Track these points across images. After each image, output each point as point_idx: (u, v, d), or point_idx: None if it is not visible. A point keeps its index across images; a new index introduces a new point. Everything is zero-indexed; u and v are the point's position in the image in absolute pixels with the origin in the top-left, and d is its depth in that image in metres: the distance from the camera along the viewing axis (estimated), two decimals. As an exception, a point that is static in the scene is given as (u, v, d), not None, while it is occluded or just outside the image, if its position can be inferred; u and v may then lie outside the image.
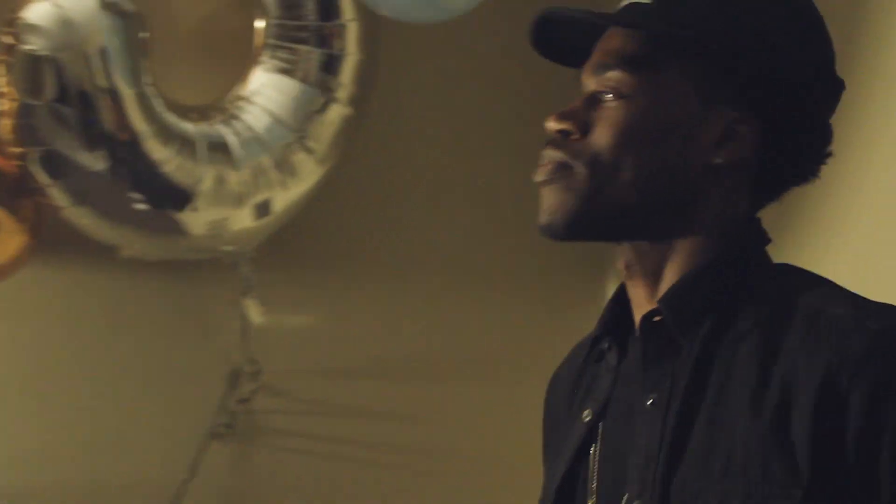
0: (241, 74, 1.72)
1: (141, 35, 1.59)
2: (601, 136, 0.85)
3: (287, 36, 1.71)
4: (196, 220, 1.66)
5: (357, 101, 1.74)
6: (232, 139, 1.67)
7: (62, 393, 1.78)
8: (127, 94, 1.56)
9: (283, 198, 1.71)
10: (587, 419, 0.90)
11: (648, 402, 0.84)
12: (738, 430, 0.80)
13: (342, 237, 1.90)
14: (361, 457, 1.91)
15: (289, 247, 1.82)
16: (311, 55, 1.72)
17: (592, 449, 0.88)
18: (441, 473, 1.55)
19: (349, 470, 1.89)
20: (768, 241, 0.89)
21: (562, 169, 0.85)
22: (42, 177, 1.57)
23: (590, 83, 0.86)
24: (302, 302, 1.88)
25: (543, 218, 0.87)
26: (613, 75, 0.85)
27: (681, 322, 0.83)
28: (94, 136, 1.56)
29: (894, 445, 0.78)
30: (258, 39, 1.71)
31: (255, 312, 1.74)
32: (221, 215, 1.67)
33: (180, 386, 1.79)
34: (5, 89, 1.53)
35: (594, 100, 0.86)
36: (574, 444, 0.90)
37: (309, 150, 1.71)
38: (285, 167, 1.71)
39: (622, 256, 0.89)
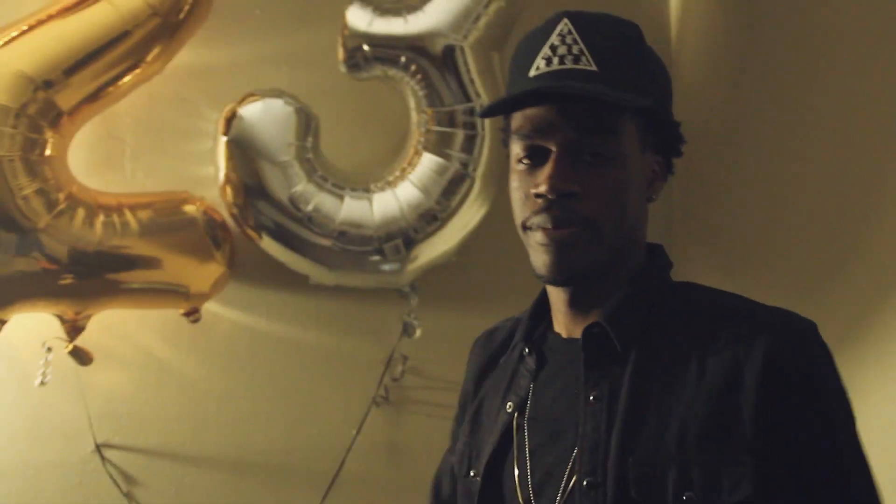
0: (396, 152, 1.85)
1: (312, 125, 1.73)
2: (604, 195, 0.89)
3: (437, 121, 1.76)
4: (370, 259, 1.77)
5: (486, 174, 1.76)
6: (394, 201, 1.75)
7: (272, 375, 1.95)
8: (312, 166, 1.72)
9: (431, 249, 1.79)
10: (510, 410, 0.97)
11: (591, 397, 0.89)
12: (689, 412, 0.86)
13: (465, 275, 1.96)
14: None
15: (441, 277, 1.93)
16: (454, 136, 1.77)
17: (516, 438, 0.95)
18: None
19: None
20: (671, 264, 0.97)
21: (589, 224, 0.89)
22: (248, 224, 1.73)
23: (563, 141, 0.89)
24: (446, 319, 1.97)
25: (564, 267, 0.90)
26: (598, 140, 0.89)
27: (620, 333, 0.90)
28: (284, 200, 1.71)
29: (823, 412, 0.86)
30: (413, 125, 1.79)
31: (415, 328, 1.90)
32: (397, 260, 1.77)
33: (353, 369, 1.96)
34: (224, 162, 1.71)
35: (578, 161, 0.89)
36: (499, 431, 0.97)
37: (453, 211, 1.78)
38: (427, 216, 1.78)
39: (566, 291, 0.94)
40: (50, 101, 1.62)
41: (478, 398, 1.05)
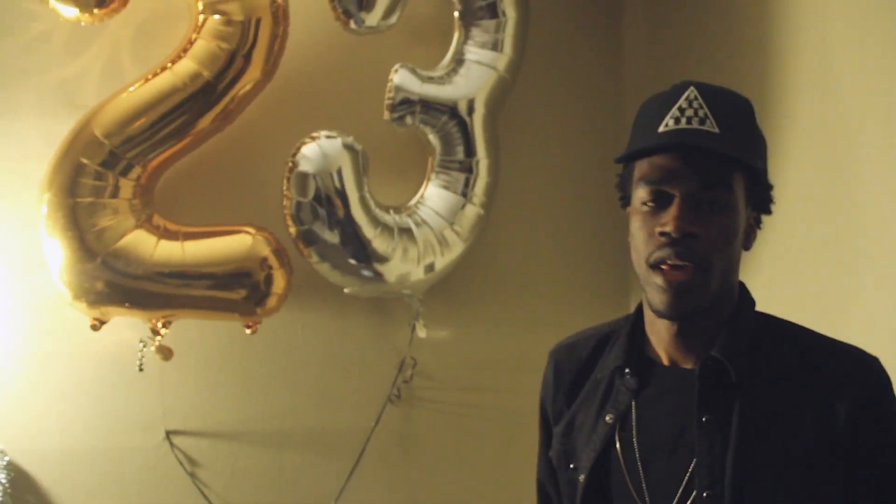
0: (418, 187, 2.10)
1: (363, 162, 1.96)
2: (717, 240, 0.94)
3: (446, 165, 2.06)
4: (389, 274, 1.99)
5: (485, 205, 2.07)
6: (413, 226, 2.02)
7: (306, 375, 2.14)
8: (353, 196, 1.93)
9: (441, 262, 2.05)
10: (610, 421, 1.01)
11: (704, 419, 0.94)
12: (794, 440, 0.92)
13: (462, 281, 2.17)
14: (482, 416, 2.18)
15: (442, 289, 2.13)
16: (459, 177, 2.06)
17: (620, 448, 0.99)
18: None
19: (474, 425, 2.17)
20: (754, 301, 1.04)
21: (703, 263, 0.94)
22: (303, 246, 1.94)
23: (686, 189, 0.94)
24: (442, 320, 2.17)
25: (679, 307, 0.95)
26: (715, 192, 0.94)
27: (735, 366, 0.96)
28: (333, 222, 1.91)
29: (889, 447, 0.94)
30: (429, 167, 2.09)
31: (420, 330, 2.10)
32: (405, 271, 2.00)
33: (371, 369, 2.15)
34: (287, 192, 1.90)
35: (697, 208, 0.94)
36: (601, 439, 1.01)
37: (456, 233, 2.05)
38: (443, 243, 2.04)
39: (675, 325, 0.98)
40: (118, 156, 1.84)
41: (571, 409, 1.08)
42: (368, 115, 2.07)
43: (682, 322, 0.98)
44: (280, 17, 1.93)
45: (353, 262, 1.97)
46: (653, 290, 0.97)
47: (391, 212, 2.03)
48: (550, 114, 2.27)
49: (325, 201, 1.92)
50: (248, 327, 1.98)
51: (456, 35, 2.10)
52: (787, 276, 1.67)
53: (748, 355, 0.97)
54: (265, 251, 1.93)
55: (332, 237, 1.94)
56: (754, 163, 0.98)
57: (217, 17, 1.88)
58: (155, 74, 1.89)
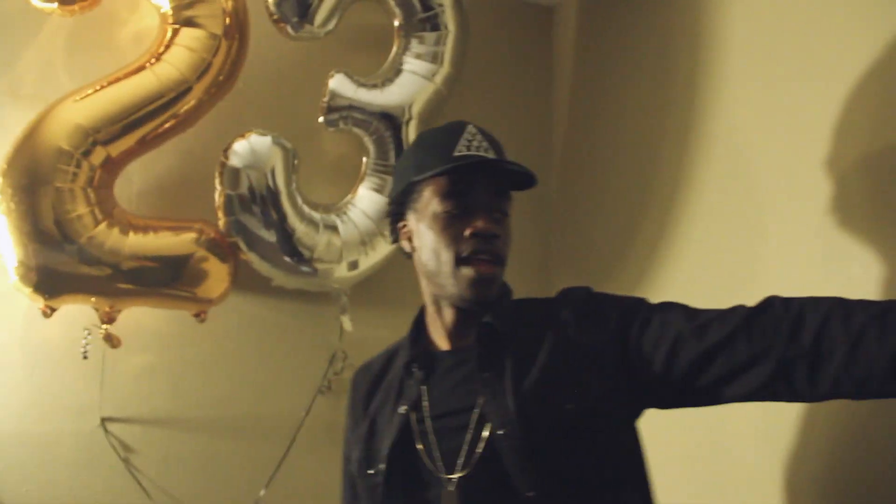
0: (351, 188, 2.12)
1: (293, 159, 2.00)
2: (507, 241, 1.16)
3: (378, 169, 2.09)
4: (313, 268, 2.00)
5: None
6: (339, 224, 2.04)
7: (241, 365, 2.14)
8: (281, 191, 1.97)
9: (365, 261, 2.07)
10: (403, 411, 1.14)
11: (485, 375, 1.10)
12: (570, 365, 1.09)
13: (393, 283, 2.17)
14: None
15: (366, 287, 2.15)
16: (390, 181, 2.04)
17: (416, 428, 1.11)
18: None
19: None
20: (511, 289, 1.23)
21: (502, 261, 1.15)
22: (232, 236, 1.96)
23: (484, 200, 1.13)
24: (372, 318, 2.17)
25: (487, 290, 1.13)
26: (506, 203, 1.17)
27: (503, 327, 1.14)
28: (261, 215, 1.94)
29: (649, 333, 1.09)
30: (363, 170, 2.12)
31: (347, 324, 2.12)
32: (328, 267, 2.03)
33: (304, 361, 2.15)
34: (218, 187, 1.94)
35: (492, 215, 1.14)
36: (396, 427, 1.13)
37: (383, 235, 2.07)
38: (368, 243, 2.07)
39: (462, 312, 1.16)
40: (99, 147, 1.85)
41: (369, 415, 1.22)
42: (309, 118, 2.10)
43: (474, 308, 1.15)
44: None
45: (278, 254, 2.00)
46: (461, 283, 1.13)
47: (321, 210, 2.06)
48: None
49: (255, 195, 1.96)
50: (197, 316, 2.01)
51: (395, 45, 2.14)
52: (703, 280, 1.77)
53: (512, 323, 1.15)
54: (209, 244, 1.96)
55: (259, 229, 1.97)
56: (535, 178, 1.18)
57: (193, 28, 1.92)
58: (131, 73, 1.90)
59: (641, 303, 1.17)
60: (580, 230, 2.26)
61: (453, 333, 1.19)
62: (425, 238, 1.16)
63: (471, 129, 1.17)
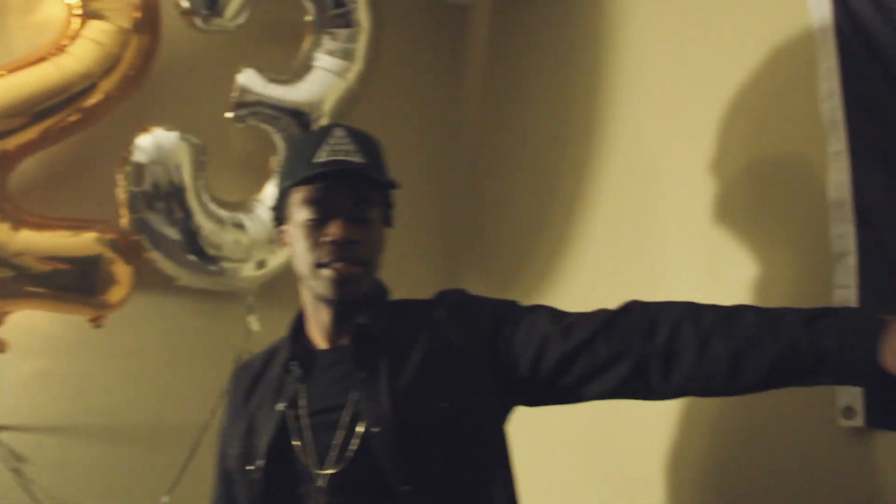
0: (259, 185, 2.11)
1: (200, 155, 1.98)
2: (369, 245, 1.17)
3: None
4: (220, 267, 1.99)
5: None
6: (247, 221, 2.02)
7: (143, 367, 2.12)
8: (188, 187, 1.94)
9: (273, 259, 2.06)
10: (281, 409, 1.16)
11: (361, 375, 1.13)
12: (443, 364, 1.13)
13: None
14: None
15: (274, 287, 2.12)
16: None
17: (293, 425, 1.13)
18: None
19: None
20: (389, 290, 1.27)
21: (365, 264, 1.16)
22: (136, 234, 1.92)
23: (343, 207, 1.14)
24: (280, 318, 1.92)
25: (348, 288, 1.14)
26: (367, 209, 1.17)
27: (378, 327, 1.17)
28: (166, 213, 1.91)
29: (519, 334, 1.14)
30: (271, 165, 2.10)
31: (254, 324, 2.11)
32: (234, 266, 2.01)
33: (208, 363, 2.12)
34: (121, 183, 1.91)
35: (353, 221, 1.15)
36: (274, 425, 1.15)
37: None
38: (276, 242, 2.03)
39: (336, 312, 1.18)
40: None
41: (248, 412, 1.22)
42: (218, 114, 2.07)
43: (343, 306, 1.18)
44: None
45: (183, 252, 1.98)
46: (323, 282, 1.16)
47: (228, 207, 2.05)
48: (390, 127, 2.28)
49: (160, 192, 1.93)
50: (94, 321, 1.95)
51: (307, 41, 2.12)
52: (604, 280, 1.82)
53: (387, 323, 1.19)
54: (109, 244, 1.91)
55: (164, 227, 1.95)
56: (397, 183, 1.21)
57: (101, 21, 1.86)
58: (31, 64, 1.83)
59: (512, 305, 1.22)
60: (487, 231, 2.29)
61: (331, 333, 1.21)
62: (295, 244, 1.20)
63: (338, 132, 1.19)
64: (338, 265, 1.14)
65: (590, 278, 1.86)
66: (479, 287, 2.17)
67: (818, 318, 0.99)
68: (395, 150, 2.25)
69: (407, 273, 2.23)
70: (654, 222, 1.68)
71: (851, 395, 1.25)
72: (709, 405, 1.47)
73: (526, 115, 2.16)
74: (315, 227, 1.17)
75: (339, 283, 1.15)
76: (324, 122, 2.10)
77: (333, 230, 1.15)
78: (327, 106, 2.09)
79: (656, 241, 1.67)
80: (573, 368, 1.12)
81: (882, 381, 0.95)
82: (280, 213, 1.25)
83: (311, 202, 1.17)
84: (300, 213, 1.19)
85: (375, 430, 1.09)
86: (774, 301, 1.37)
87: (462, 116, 2.47)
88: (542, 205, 2.05)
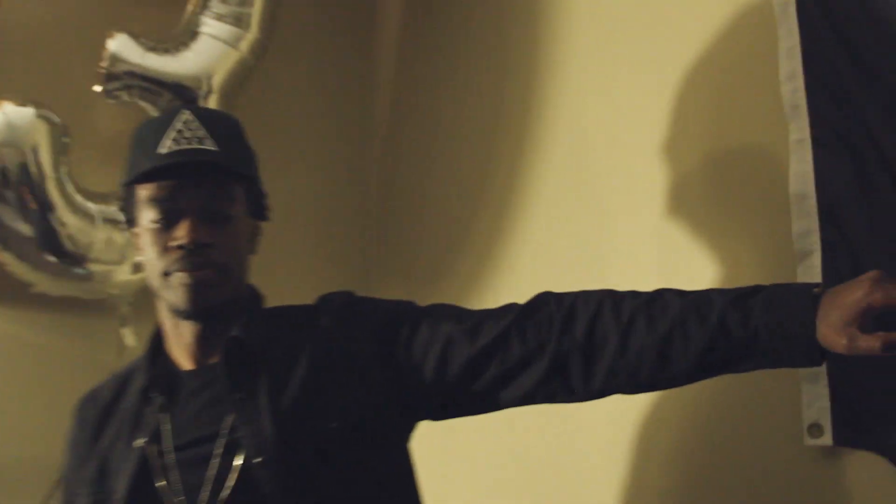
0: None
1: (62, 136, 1.89)
2: (228, 247, 1.12)
3: None
4: (87, 270, 1.92)
5: None
6: (120, 216, 1.83)
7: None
8: (48, 175, 1.86)
9: None
10: (140, 445, 1.11)
11: (238, 398, 1.09)
12: (332, 378, 1.09)
13: None
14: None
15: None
16: None
17: (156, 463, 1.08)
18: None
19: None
20: (264, 297, 1.23)
21: (221, 269, 1.11)
22: None
23: (193, 205, 1.09)
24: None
25: (201, 302, 1.09)
26: (223, 205, 1.11)
27: (254, 342, 1.13)
28: (20, 205, 1.83)
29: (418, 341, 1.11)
30: None
31: (129, 338, 2.03)
32: (108, 269, 1.94)
33: (71, 388, 1.75)
34: None
35: (206, 220, 1.10)
36: (133, 464, 1.10)
37: None
38: None
39: (197, 326, 1.13)
40: None
41: (98, 453, 1.16)
42: (84, 88, 2.00)
43: (204, 320, 1.12)
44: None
45: (40, 253, 1.89)
46: (175, 292, 1.10)
47: (98, 199, 1.95)
48: (292, 109, 2.28)
49: (9, 179, 1.84)
50: None
51: (191, 2, 2.04)
52: (541, 284, 1.77)
53: (264, 335, 1.14)
54: None
55: (16, 222, 1.87)
56: (254, 174, 1.17)
57: None
58: None
59: (409, 306, 1.19)
60: (408, 229, 2.30)
61: (196, 350, 1.15)
62: (144, 250, 1.15)
63: (185, 116, 1.13)
64: (186, 272, 1.09)
65: (526, 282, 1.83)
66: (398, 292, 2.17)
67: (747, 296, 0.98)
68: (297, 135, 2.31)
69: (312, 277, 2.27)
70: (600, 219, 1.67)
71: (818, 412, 1.25)
72: (667, 418, 1.44)
73: (452, 100, 2.14)
74: (162, 231, 1.12)
75: (191, 291, 1.09)
76: (213, 99, 2.01)
77: (181, 233, 1.09)
78: (217, 80, 2.00)
79: (602, 241, 1.66)
80: (484, 372, 1.09)
81: (820, 360, 0.95)
82: (128, 215, 1.19)
83: (155, 201, 1.12)
84: (146, 215, 1.13)
85: (257, 460, 1.05)
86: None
87: (376, 99, 2.42)
88: (471, 200, 2.03)
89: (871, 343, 0.88)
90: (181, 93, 1.97)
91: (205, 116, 1.15)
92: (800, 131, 1.34)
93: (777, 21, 1.32)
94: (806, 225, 1.31)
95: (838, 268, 1.29)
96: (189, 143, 1.10)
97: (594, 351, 1.05)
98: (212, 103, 2.01)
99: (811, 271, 1.30)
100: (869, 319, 0.90)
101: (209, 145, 1.11)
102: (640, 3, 1.61)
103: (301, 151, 2.29)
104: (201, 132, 1.11)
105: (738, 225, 1.41)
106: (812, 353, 0.95)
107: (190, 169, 1.11)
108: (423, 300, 1.87)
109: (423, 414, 1.18)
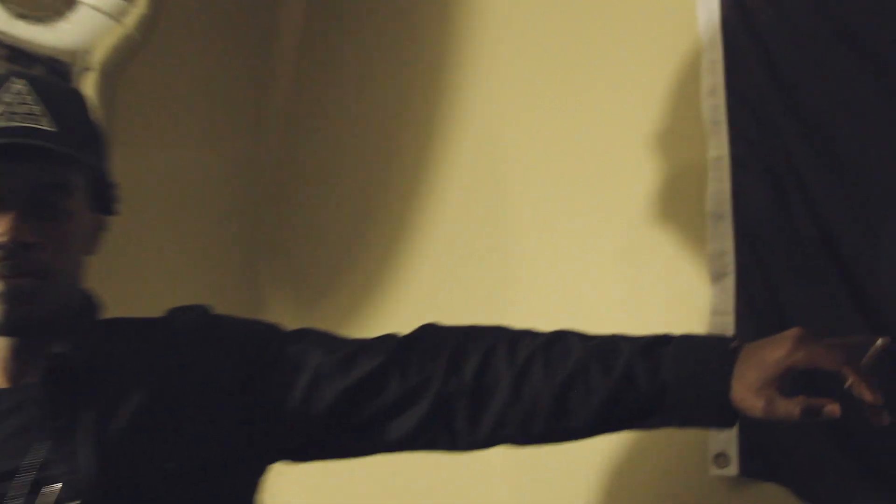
0: None
1: None
2: (58, 247, 1.01)
3: None
4: None
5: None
6: None
7: None
8: None
9: None
10: None
11: (56, 426, 0.98)
12: (174, 409, 1.00)
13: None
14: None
15: None
16: None
17: None
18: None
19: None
20: (101, 305, 1.11)
21: (46, 274, 0.99)
22: None
23: (17, 197, 0.98)
24: None
25: (21, 316, 0.98)
26: (57, 197, 1.00)
27: (83, 362, 1.01)
28: None
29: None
30: None
31: None
32: None
33: None
34: None
35: (33, 215, 0.99)
36: None
37: None
38: None
39: (14, 341, 1.01)
40: None
41: None
42: None
43: (24, 331, 1.00)
44: None
45: None
46: None
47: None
48: (178, 95, 2.21)
49: None
50: None
51: None
52: (444, 298, 1.83)
53: (95, 353, 1.03)
54: None
55: None
56: (97, 163, 1.06)
57: None
58: None
59: (274, 328, 1.11)
60: (300, 235, 2.27)
61: (11, 367, 1.03)
62: None
63: (18, 86, 1.02)
64: (1, 278, 0.97)
65: (425, 297, 1.82)
66: (286, 304, 2.13)
67: (657, 345, 0.94)
68: (184, 124, 2.21)
69: (188, 286, 2.16)
70: (507, 236, 1.68)
71: (724, 441, 1.30)
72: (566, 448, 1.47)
73: (353, 100, 2.13)
74: None
75: (5, 302, 0.97)
76: (91, 77, 1.90)
77: (0, 230, 0.97)
78: (97, 55, 1.90)
79: (507, 257, 1.66)
80: (355, 411, 1.03)
81: (732, 422, 0.92)
82: None
83: None
84: None
85: (73, 503, 0.94)
86: (645, 327, 1.41)
87: (272, 93, 2.39)
88: (369, 207, 2.02)
89: (790, 408, 0.86)
90: (55, 67, 1.85)
91: (43, 89, 1.02)
92: (719, 148, 1.40)
93: (701, 33, 1.39)
94: (721, 246, 1.36)
95: (752, 292, 1.35)
96: (21, 121, 0.99)
97: (483, 395, 0.99)
98: (90, 82, 1.90)
99: (724, 294, 1.35)
100: (789, 381, 0.88)
101: (45, 125, 1.00)
102: (561, 10, 1.64)
103: (184, 136, 2.20)
104: (37, 108, 1.01)
105: (654, 244, 1.43)
106: (724, 415, 0.91)
107: (18, 152, 0.98)
108: (316, 313, 1.85)
109: (281, 454, 1.09)
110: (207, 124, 2.29)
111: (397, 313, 1.89)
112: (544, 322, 1.48)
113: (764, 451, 1.27)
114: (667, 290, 1.40)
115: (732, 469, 1.26)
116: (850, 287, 1.24)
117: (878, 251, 1.23)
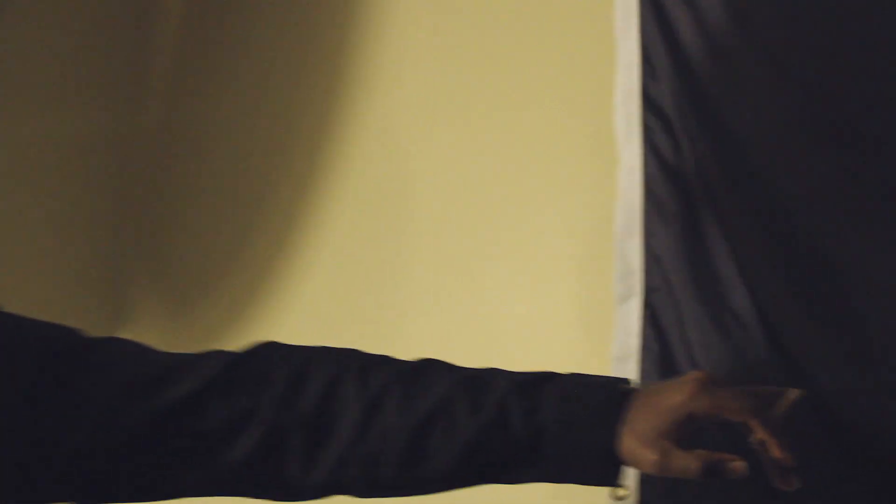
0: None
1: None
2: None
3: None
4: None
5: None
6: None
7: None
8: None
9: None
10: None
11: None
12: None
13: None
14: None
15: None
16: None
17: None
18: None
19: None
20: None
21: None
22: None
23: None
24: None
25: None
26: None
27: None
28: None
29: None
30: None
31: None
32: None
33: None
34: None
35: None
36: None
37: None
38: None
39: None
40: None
41: None
42: None
43: None
44: None
45: None
46: None
47: None
48: (37, 63, 2.18)
49: None
50: None
51: None
52: (332, 309, 1.84)
53: None
54: None
55: None
56: None
57: None
58: None
59: (69, 333, 0.97)
60: (172, 231, 2.24)
61: None
62: None
63: None
64: None
65: (312, 305, 1.81)
66: (153, 308, 2.09)
67: (538, 383, 0.87)
68: (42, 96, 2.15)
69: (41, 285, 2.16)
70: (403, 247, 1.69)
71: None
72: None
73: (242, 87, 2.12)
74: None
75: None
76: None
77: None
78: None
79: (403, 270, 1.67)
80: (161, 441, 0.91)
81: (615, 479, 0.85)
82: None
83: None
84: None
85: None
86: (548, 349, 1.42)
87: (148, 75, 2.36)
88: (253, 203, 2.02)
89: (687, 463, 0.80)
90: None
91: None
92: (632, 159, 1.43)
93: (617, 35, 1.39)
94: (628, 266, 1.39)
95: (658, 317, 1.39)
96: None
97: (324, 430, 0.89)
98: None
99: (628, 317, 1.38)
100: (689, 432, 0.81)
101: None
102: (470, 8, 1.65)
103: (36, 118, 2.16)
104: None
105: (560, 262, 1.46)
106: (608, 470, 0.84)
107: None
108: (189, 316, 1.83)
109: (62, 494, 0.94)
110: (68, 104, 2.23)
111: (284, 322, 1.91)
112: (439, 339, 1.50)
113: (663, 482, 1.30)
114: (573, 310, 1.43)
115: (629, 501, 1.27)
116: (759, 311, 1.27)
117: (789, 272, 1.28)
